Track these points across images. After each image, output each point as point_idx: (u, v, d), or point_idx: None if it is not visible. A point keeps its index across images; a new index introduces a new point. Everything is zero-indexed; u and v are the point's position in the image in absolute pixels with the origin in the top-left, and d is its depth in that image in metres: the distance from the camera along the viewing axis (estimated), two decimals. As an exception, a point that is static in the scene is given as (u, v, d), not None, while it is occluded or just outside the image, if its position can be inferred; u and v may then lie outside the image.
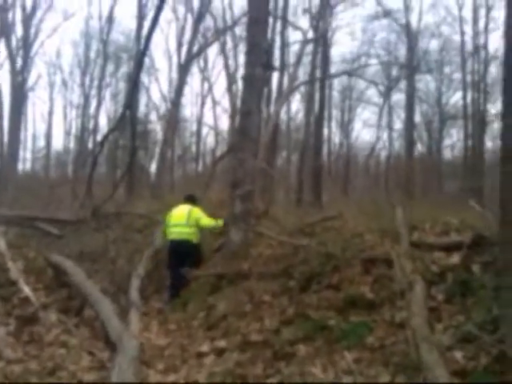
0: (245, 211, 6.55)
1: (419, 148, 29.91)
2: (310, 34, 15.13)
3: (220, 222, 6.74)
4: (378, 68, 26.72)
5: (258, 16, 6.89)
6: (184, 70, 22.64)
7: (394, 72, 26.97)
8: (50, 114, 32.32)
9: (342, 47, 38.89)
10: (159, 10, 7.53)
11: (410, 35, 24.25)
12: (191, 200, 7.11)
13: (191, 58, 22.92)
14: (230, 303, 5.00)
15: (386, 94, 28.63)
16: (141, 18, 21.34)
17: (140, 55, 8.93)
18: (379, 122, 30.43)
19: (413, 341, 3.09)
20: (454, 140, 30.57)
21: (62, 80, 31.82)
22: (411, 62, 23.27)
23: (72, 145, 31.69)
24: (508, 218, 3.16)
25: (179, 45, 24.74)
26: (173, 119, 22.45)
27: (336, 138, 33.07)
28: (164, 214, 7.41)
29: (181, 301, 6.01)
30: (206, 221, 6.70)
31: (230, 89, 25.41)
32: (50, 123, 32.36)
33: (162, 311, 6.19)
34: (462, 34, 25.03)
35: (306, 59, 19.87)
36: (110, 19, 25.44)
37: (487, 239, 4.21)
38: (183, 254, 6.52)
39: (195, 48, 23.15)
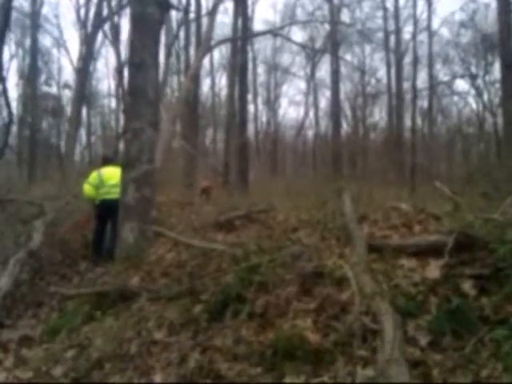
0: (141, 200, 4.91)
1: (345, 127, 29.47)
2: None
3: None
4: (302, 40, 25.85)
5: None
6: (92, 37, 19.85)
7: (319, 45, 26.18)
8: None
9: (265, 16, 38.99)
10: None
11: (333, 7, 23.27)
12: (111, 161, 6.81)
13: (99, 24, 20.10)
14: (109, 339, 3.38)
15: (312, 65, 27.82)
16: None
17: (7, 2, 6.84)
18: (306, 98, 29.67)
19: None
20: (376, 119, 30.51)
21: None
22: (334, 35, 22.37)
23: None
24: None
25: (87, 11, 21.78)
26: (79, 91, 19.69)
27: (263, 117, 32.02)
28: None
29: (51, 327, 4.34)
30: None
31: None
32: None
33: (27, 339, 4.46)
34: (385, 9, 24.58)
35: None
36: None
37: (475, 240, 2.94)
38: (116, 212, 5.62)
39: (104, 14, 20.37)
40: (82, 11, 21.95)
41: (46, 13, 28.82)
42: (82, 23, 22.06)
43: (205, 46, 9.56)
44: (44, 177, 20.32)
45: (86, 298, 4.27)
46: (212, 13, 9.70)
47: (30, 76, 21.84)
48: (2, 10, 7.35)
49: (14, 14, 23.89)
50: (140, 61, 4.94)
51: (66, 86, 23.81)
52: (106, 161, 6.87)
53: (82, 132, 27.11)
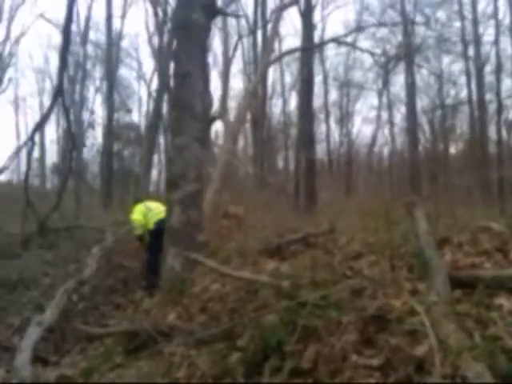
0: (187, 224, 4.45)
1: (422, 142, 27.69)
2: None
3: None
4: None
5: None
6: (164, 67, 20.38)
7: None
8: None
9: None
10: None
11: (406, 16, 22.10)
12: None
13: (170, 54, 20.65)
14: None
15: (385, 75, 26.54)
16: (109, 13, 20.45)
17: (66, 22, 6.90)
18: (379, 112, 28.43)
19: None
20: (457, 133, 28.36)
21: (52, 87, 30.10)
22: (409, 41, 21.12)
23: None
24: None
25: (160, 42, 22.48)
26: (154, 119, 20.24)
27: (336, 136, 31.12)
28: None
29: (88, 368, 3.91)
30: None
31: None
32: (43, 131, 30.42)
33: (64, 380, 4.07)
34: (462, 17, 22.97)
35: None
36: (88, 19, 23.53)
37: None
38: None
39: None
40: (156, 42, 22.78)
41: (127, 46, 30.61)
42: (155, 54, 22.99)
43: (267, 58, 9.11)
44: (120, 203, 21.04)
45: (118, 338, 3.83)
46: (274, 23, 9.29)
47: (109, 107, 22.86)
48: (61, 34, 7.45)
49: (97, 50, 25.77)
50: (185, 71, 4.56)
51: (128, 111, 25.14)
52: (138, 200, 7.11)
53: (161, 158, 27.92)
